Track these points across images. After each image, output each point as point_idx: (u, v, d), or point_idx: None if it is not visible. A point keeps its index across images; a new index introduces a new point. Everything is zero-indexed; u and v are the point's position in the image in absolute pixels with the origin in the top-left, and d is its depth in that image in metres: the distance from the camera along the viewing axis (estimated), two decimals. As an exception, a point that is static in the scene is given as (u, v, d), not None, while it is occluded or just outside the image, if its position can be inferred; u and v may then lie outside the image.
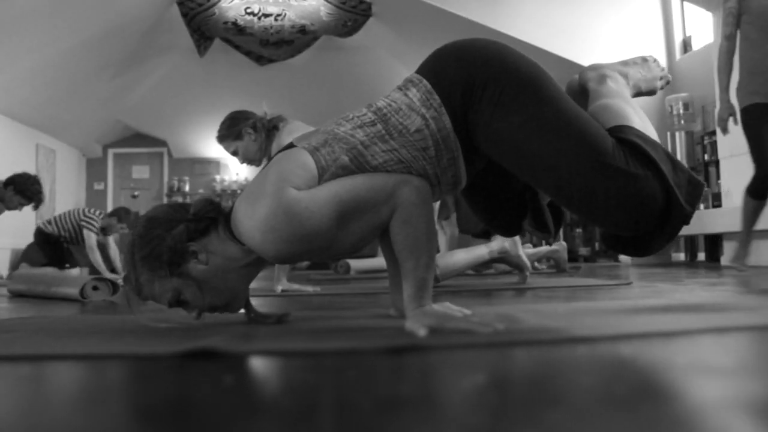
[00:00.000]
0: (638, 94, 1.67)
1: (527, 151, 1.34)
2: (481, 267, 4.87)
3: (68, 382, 0.93)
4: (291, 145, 1.39)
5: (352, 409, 0.68)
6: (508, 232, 1.72)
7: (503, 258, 3.27)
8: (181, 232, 1.32)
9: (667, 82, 1.70)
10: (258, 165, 3.15)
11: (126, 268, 1.37)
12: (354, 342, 1.16)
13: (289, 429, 0.60)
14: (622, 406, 0.66)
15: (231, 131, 3.04)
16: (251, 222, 1.28)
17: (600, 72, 1.62)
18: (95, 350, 1.14)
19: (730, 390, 0.71)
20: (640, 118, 1.46)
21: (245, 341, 1.18)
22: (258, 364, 1.02)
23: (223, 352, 1.04)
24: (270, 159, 1.47)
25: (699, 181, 1.36)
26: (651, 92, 1.70)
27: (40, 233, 6.19)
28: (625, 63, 1.67)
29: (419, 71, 1.44)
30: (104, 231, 6.21)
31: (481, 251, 3.31)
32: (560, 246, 4.68)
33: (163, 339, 1.23)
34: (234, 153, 3.08)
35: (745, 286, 2.40)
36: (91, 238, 5.94)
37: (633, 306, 1.63)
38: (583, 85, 1.63)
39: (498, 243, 3.26)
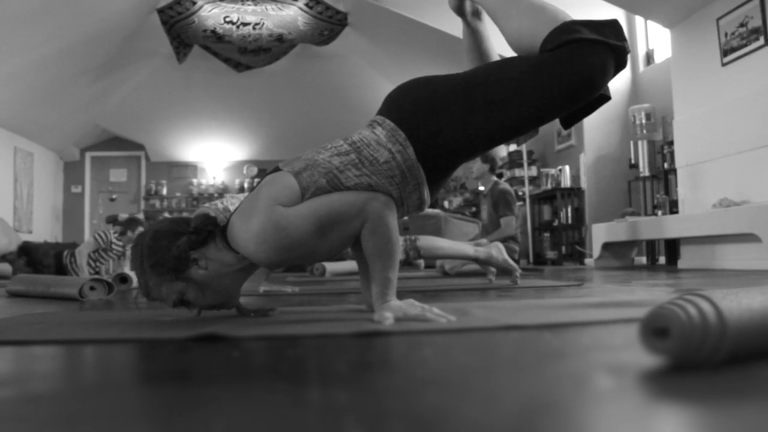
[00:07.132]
0: None
1: (507, 123, 1.59)
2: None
3: (108, 360, 1.17)
4: (277, 168, 1.63)
5: (331, 370, 0.93)
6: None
7: (489, 262, 3.40)
8: (184, 243, 1.55)
9: None
10: None
11: (135, 274, 1.61)
12: (331, 328, 1.39)
13: (285, 385, 0.85)
14: (529, 368, 0.92)
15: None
16: (246, 235, 1.52)
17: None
18: (122, 336, 1.38)
19: (609, 359, 0.98)
20: (535, 16, 1.65)
21: (242, 328, 1.41)
22: (255, 345, 1.26)
23: (225, 336, 1.28)
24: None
25: (612, 20, 1.60)
26: None
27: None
28: None
29: (380, 113, 1.68)
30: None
31: (467, 248, 3.46)
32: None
33: (172, 328, 1.47)
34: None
35: (681, 287, 2.67)
36: (90, 246, 6.06)
37: (570, 303, 1.89)
38: (475, 30, 1.95)
39: (484, 248, 3.41)
